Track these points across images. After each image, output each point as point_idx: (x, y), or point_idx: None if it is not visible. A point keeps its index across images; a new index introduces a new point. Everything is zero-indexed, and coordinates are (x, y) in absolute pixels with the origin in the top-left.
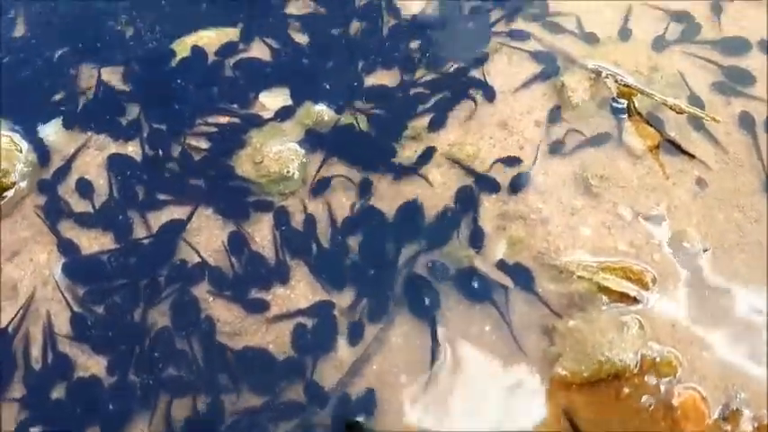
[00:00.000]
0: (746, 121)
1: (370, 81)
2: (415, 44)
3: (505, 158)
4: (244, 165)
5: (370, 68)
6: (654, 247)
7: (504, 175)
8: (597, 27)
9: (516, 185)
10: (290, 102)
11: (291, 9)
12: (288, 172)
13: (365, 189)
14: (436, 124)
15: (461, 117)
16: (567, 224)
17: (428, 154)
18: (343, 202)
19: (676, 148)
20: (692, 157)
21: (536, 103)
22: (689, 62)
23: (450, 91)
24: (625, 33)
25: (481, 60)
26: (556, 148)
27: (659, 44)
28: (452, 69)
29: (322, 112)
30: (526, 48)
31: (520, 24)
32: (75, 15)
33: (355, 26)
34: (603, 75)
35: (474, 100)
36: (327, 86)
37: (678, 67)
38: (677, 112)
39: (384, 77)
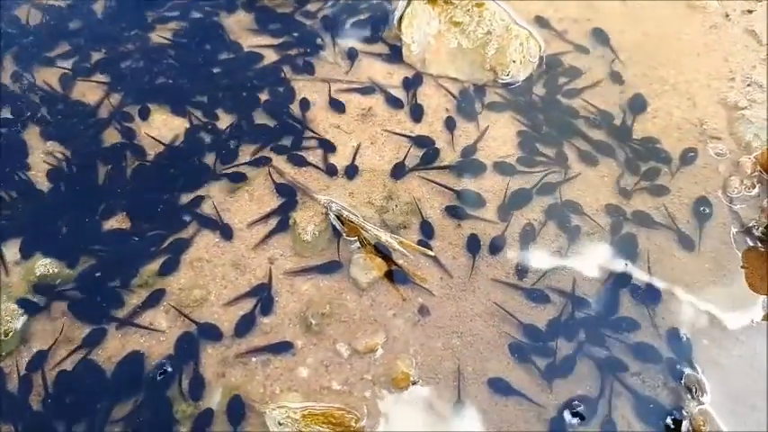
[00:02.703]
0: (473, 245)
1: (108, 225)
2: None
3: (234, 299)
4: None
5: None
6: (366, 384)
7: (228, 320)
8: (340, 158)
9: (241, 329)
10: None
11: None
12: (5, 333)
13: (90, 343)
14: (167, 268)
15: (193, 258)
16: (287, 366)
17: (155, 299)
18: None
19: (405, 274)
20: (419, 282)
21: (272, 240)
22: (426, 188)
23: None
24: (352, 169)
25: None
26: (284, 288)
27: (398, 172)
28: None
29: (50, 265)
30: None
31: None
32: None
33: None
34: (332, 210)
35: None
36: (61, 236)
37: (415, 194)
38: (397, 245)
39: (122, 222)
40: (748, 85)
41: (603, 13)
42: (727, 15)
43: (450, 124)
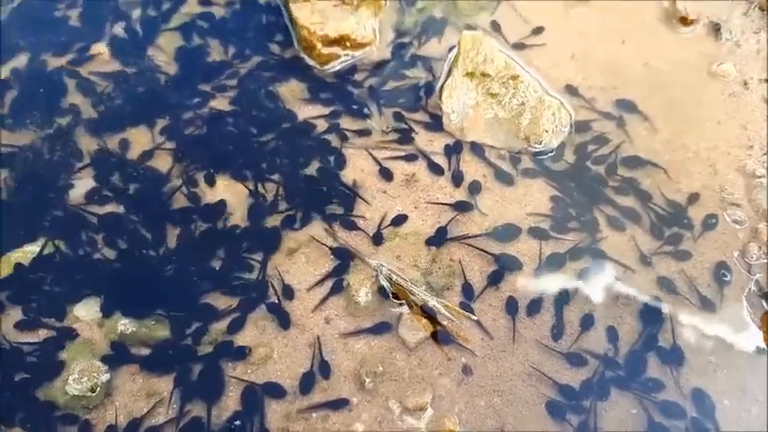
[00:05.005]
0: (511, 307)
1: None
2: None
3: (294, 360)
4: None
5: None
6: None
7: (290, 377)
8: (386, 222)
9: (304, 387)
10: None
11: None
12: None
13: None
14: (235, 327)
15: (258, 317)
16: (344, 421)
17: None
18: (140, 409)
19: (448, 335)
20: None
21: (328, 301)
22: (466, 250)
23: (255, 292)
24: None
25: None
26: (339, 346)
27: (440, 237)
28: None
29: (127, 324)
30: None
31: (316, 224)
32: None
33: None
34: (382, 273)
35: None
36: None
37: (456, 257)
38: (444, 309)
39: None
40: (765, 153)
41: (629, 80)
42: (746, 83)
43: (489, 190)
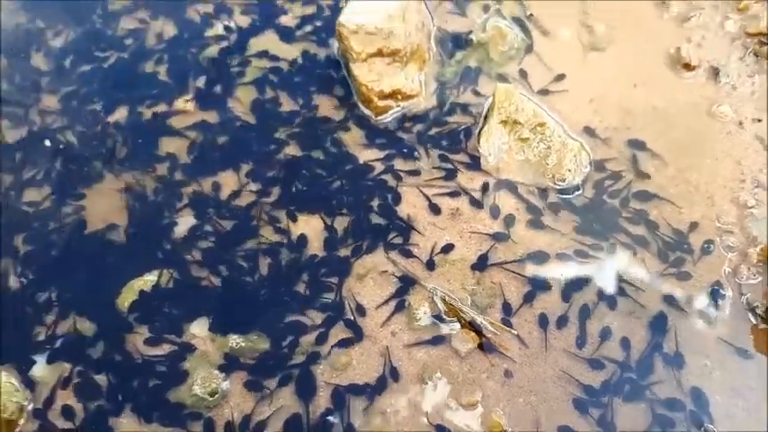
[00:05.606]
0: (543, 321)
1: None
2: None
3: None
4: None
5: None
6: None
7: (369, 381)
8: (428, 253)
9: (379, 388)
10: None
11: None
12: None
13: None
14: (321, 340)
15: (338, 331)
16: (411, 416)
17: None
18: (250, 407)
19: (492, 345)
20: (503, 352)
21: (393, 318)
22: (504, 275)
23: (334, 311)
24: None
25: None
26: (404, 355)
27: (482, 263)
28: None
29: (236, 339)
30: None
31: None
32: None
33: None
34: (436, 295)
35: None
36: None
37: (496, 280)
38: (488, 324)
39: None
40: (756, 186)
41: (640, 121)
42: (741, 123)
43: (522, 222)
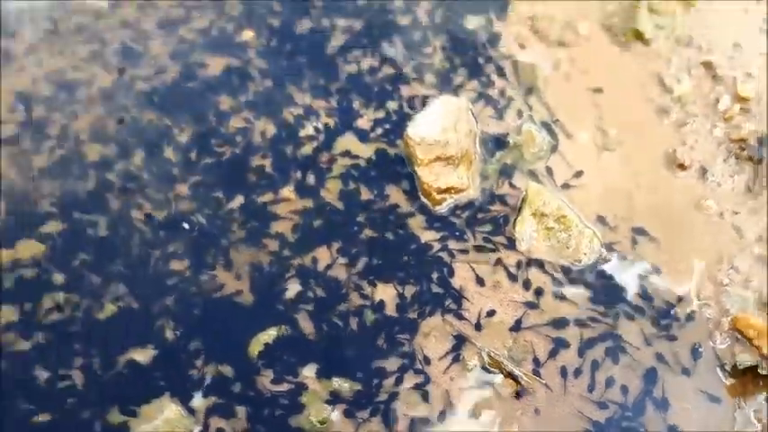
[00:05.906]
0: (563, 372)
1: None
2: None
3: (432, 406)
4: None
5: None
6: None
7: (434, 413)
8: (476, 317)
9: (440, 418)
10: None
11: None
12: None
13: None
14: (398, 382)
15: (410, 376)
16: None
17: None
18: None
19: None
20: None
21: (451, 367)
22: (534, 335)
23: (407, 359)
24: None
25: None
26: (460, 395)
27: (517, 326)
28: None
29: (338, 381)
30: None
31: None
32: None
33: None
34: (484, 351)
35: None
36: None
37: (528, 339)
38: (523, 374)
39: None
40: (731, 268)
41: (641, 212)
42: (722, 215)
43: (548, 294)
